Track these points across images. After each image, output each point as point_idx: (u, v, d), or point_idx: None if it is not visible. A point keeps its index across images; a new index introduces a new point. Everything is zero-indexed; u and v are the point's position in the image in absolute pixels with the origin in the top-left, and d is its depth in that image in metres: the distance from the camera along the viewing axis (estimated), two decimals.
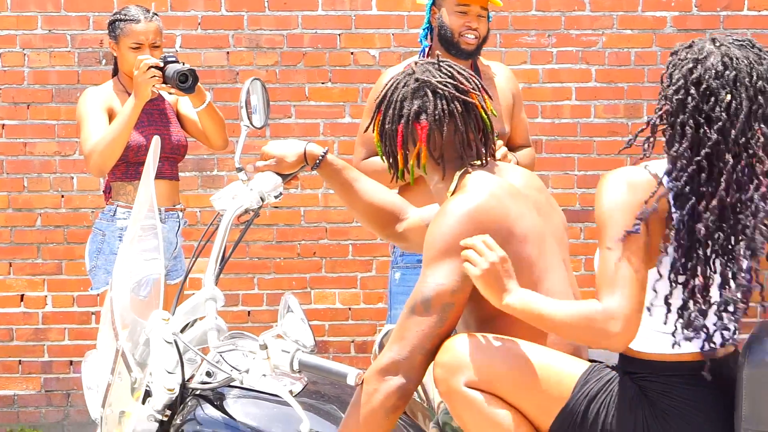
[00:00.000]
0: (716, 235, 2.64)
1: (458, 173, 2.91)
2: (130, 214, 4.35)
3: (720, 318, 2.69)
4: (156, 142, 3.19)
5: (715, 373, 2.71)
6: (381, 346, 3.12)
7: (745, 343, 2.72)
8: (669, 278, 2.67)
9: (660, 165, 2.74)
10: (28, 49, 6.06)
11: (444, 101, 2.89)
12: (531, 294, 2.70)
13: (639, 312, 2.61)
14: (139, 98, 4.67)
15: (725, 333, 2.70)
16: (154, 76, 4.66)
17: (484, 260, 2.67)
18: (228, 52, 6.13)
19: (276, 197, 3.20)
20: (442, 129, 2.89)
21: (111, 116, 4.79)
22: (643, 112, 6.17)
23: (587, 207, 6.13)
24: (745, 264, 2.67)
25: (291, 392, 2.87)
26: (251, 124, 3.28)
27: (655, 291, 2.68)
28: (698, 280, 2.66)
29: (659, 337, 2.71)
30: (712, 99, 2.65)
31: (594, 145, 6.20)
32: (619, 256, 2.62)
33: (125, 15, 4.83)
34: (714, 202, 2.63)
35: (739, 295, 2.67)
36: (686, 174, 2.65)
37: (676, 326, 2.68)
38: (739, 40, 2.73)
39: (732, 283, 2.67)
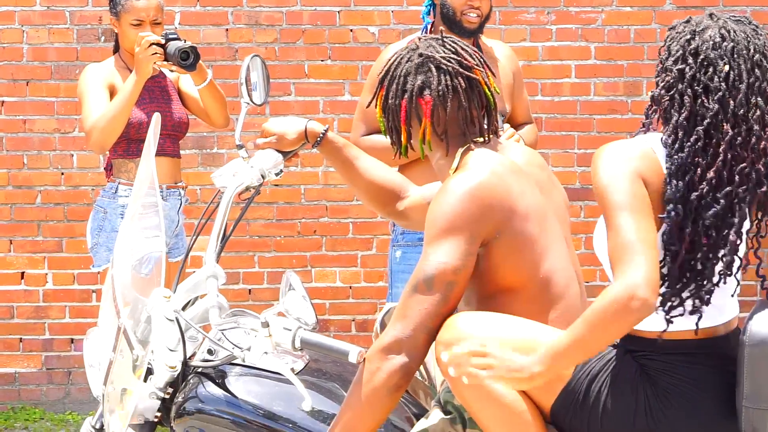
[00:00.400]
0: (711, 208, 2.64)
1: (460, 150, 2.91)
2: (131, 191, 4.35)
3: (699, 291, 2.68)
4: (156, 118, 3.18)
5: (716, 352, 2.72)
6: (382, 325, 3.12)
7: (746, 321, 2.72)
8: (661, 247, 2.67)
9: (653, 137, 2.74)
10: (27, 25, 6.04)
11: (448, 77, 2.89)
12: (544, 345, 2.61)
13: (657, 271, 2.58)
14: (141, 75, 4.66)
15: (704, 308, 2.70)
16: (156, 53, 4.65)
17: (491, 359, 2.61)
18: (227, 29, 6.12)
19: (276, 174, 3.20)
20: (446, 105, 2.88)
21: (112, 93, 4.79)
22: (642, 90, 6.16)
23: (587, 185, 6.13)
24: (737, 238, 2.67)
25: (293, 370, 2.88)
26: (251, 101, 3.28)
27: None
28: (686, 251, 2.66)
29: (659, 315, 2.70)
30: (710, 69, 2.66)
31: (594, 123, 6.19)
32: (627, 222, 2.60)
33: None
34: (711, 174, 2.63)
35: (724, 267, 2.68)
36: (688, 144, 2.65)
37: (662, 295, 2.68)
38: (736, 17, 2.76)
39: (720, 255, 2.67)
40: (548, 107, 6.17)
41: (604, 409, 2.71)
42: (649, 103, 2.77)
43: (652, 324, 2.71)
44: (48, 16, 6.04)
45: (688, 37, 2.71)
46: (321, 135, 3.20)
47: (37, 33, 6.04)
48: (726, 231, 2.66)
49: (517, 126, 4.58)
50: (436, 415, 2.85)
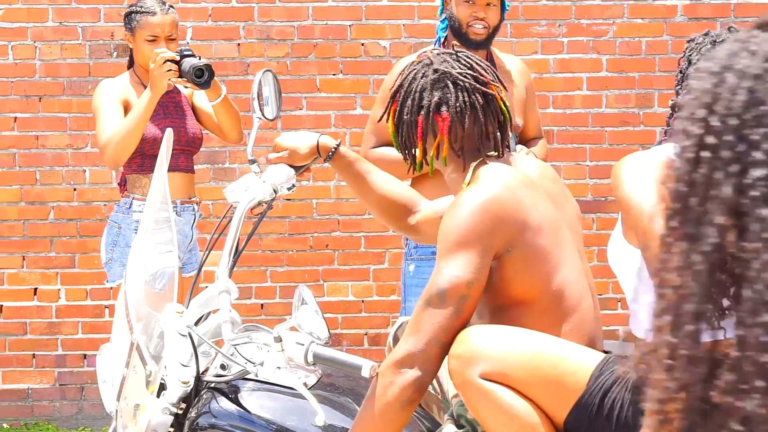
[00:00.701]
0: None
1: (473, 164, 2.90)
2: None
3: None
4: (169, 134, 3.19)
5: None
6: (395, 339, 3.12)
7: None
8: None
9: (672, 147, 2.75)
10: (40, 41, 6.06)
11: (465, 93, 2.88)
12: None
13: None
14: (155, 91, 4.67)
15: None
16: (171, 69, 4.66)
17: None
18: (239, 44, 6.13)
19: (289, 189, 3.20)
20: (463, 121, 2.88)
21: (126, 108, 4.79)
22: (654, 102, 6.15)
23: (599, 197, 6.12)
24: None
25: (305, 385, 2.87)
26: (263, 115, 3.28)
27: None
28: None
29: None
30: None
31: (606, 135, 6.18)
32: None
33: (141, 7, 4.83)
34: None
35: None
36: None
37: None
38: None
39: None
40: (560, 120, 6.17)
41: (617, 422, 2.70)
42: (670, 111, 2.78)
43: None
44: (60, 32, 6.06)
45: (709, 46, 2.73)
46: (333, 149, 3.19)
47: (50, 49, 6.06)
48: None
49: (528, 141, 4.58)
50: (449, 430, 2.84)
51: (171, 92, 4.89)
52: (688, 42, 2.81)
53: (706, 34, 2.78)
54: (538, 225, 2.80)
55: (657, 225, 2.59)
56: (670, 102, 2.80)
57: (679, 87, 2.78)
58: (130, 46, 4.91)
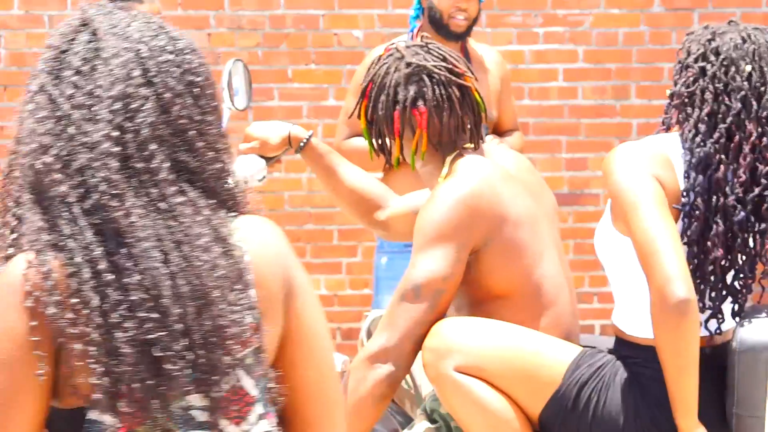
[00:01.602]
0: (737, 210, 2.63)
1: (449, 158, 2.86)
2: None
3: (724, 298, 2.68)
4: None
5: (711, 363, 2.68)
6: (368, 333, 3.09)
7: (735, 327, 2.72)
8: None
9: (666, 139, 2.73)
10: (5, 29, 5.98)
11: (441, 86, 2.84)
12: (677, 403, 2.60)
13: (684, 262, 2.55)
14: None
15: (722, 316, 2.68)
16: None
17: None
18: (209, 34, 6.06)
19: (259, 180, 3.14)
20: (441, 114, 2.84)
21: None
22: (631, 94, 6.12)
23: (575, 190, 6.08)
24: (760, 243, 2.68)
25: None
26: (233, 105, 3.24)
27: None
28: (712, 253, 2.64)
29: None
30: (732, 68, 2.68)
31: (582, 127, 6.14)
32: (649, 218, 2.58)
33: None
34: (741, 176, 2.63)
35: (748, 271, 2.68)
36: (711, 140, 2.64)
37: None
38: (756, 26, 2.82)
39: (741, 260, 2.66)
40: (535, 111, 6.12)
41: (593, 416, 2.69)
42: (668, 100, 2.78)
43: (648, 331, 2.67)
44: (26, 21, 5.98)
45: (709, 37, 2.75)
46: (304, 140, 3.14)
47: (15, 37, 5.98)
48: (748, 235, 2.65)
49: (503, 133, 4.54)
50: (421, 425, 2.83)
51: None
52: (688, 35, 2.84)
53: (705, 27, 2.80)
54: (516, 218, 2.77)
55: (643, 215, 2.57)
56: (668, 92, 2.80)
57: (677, 77, 2.78)
58: None
